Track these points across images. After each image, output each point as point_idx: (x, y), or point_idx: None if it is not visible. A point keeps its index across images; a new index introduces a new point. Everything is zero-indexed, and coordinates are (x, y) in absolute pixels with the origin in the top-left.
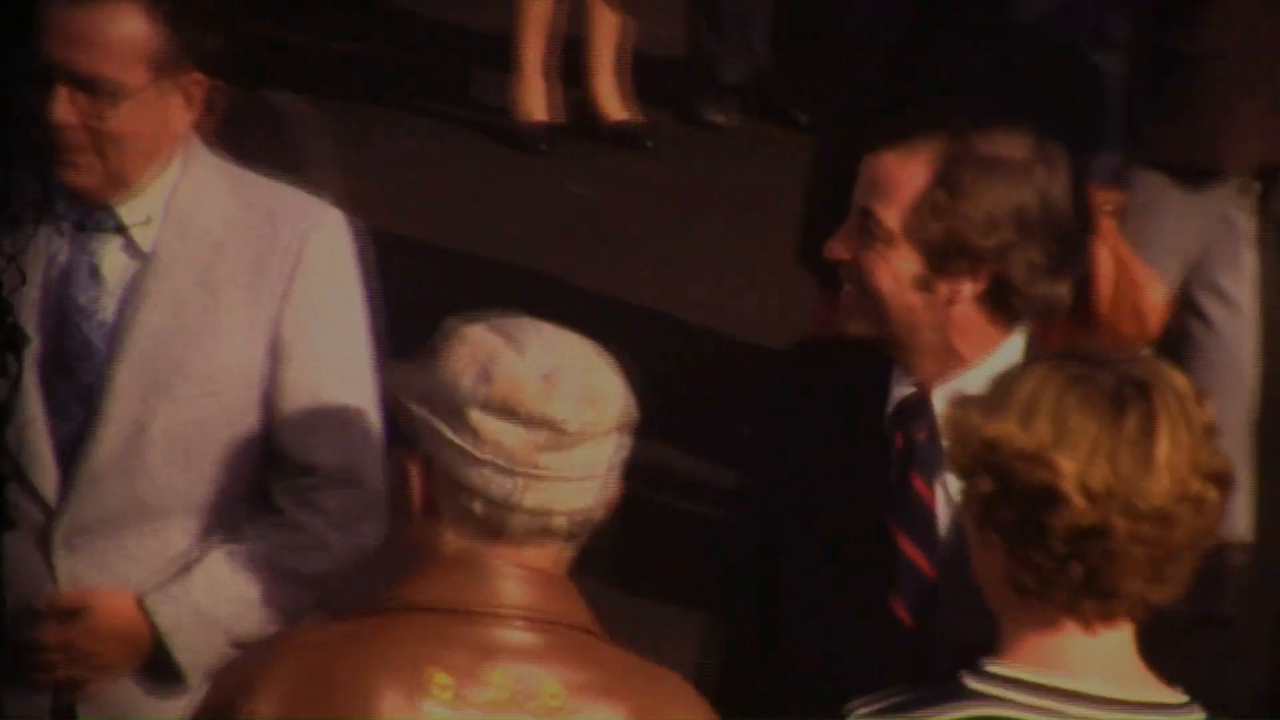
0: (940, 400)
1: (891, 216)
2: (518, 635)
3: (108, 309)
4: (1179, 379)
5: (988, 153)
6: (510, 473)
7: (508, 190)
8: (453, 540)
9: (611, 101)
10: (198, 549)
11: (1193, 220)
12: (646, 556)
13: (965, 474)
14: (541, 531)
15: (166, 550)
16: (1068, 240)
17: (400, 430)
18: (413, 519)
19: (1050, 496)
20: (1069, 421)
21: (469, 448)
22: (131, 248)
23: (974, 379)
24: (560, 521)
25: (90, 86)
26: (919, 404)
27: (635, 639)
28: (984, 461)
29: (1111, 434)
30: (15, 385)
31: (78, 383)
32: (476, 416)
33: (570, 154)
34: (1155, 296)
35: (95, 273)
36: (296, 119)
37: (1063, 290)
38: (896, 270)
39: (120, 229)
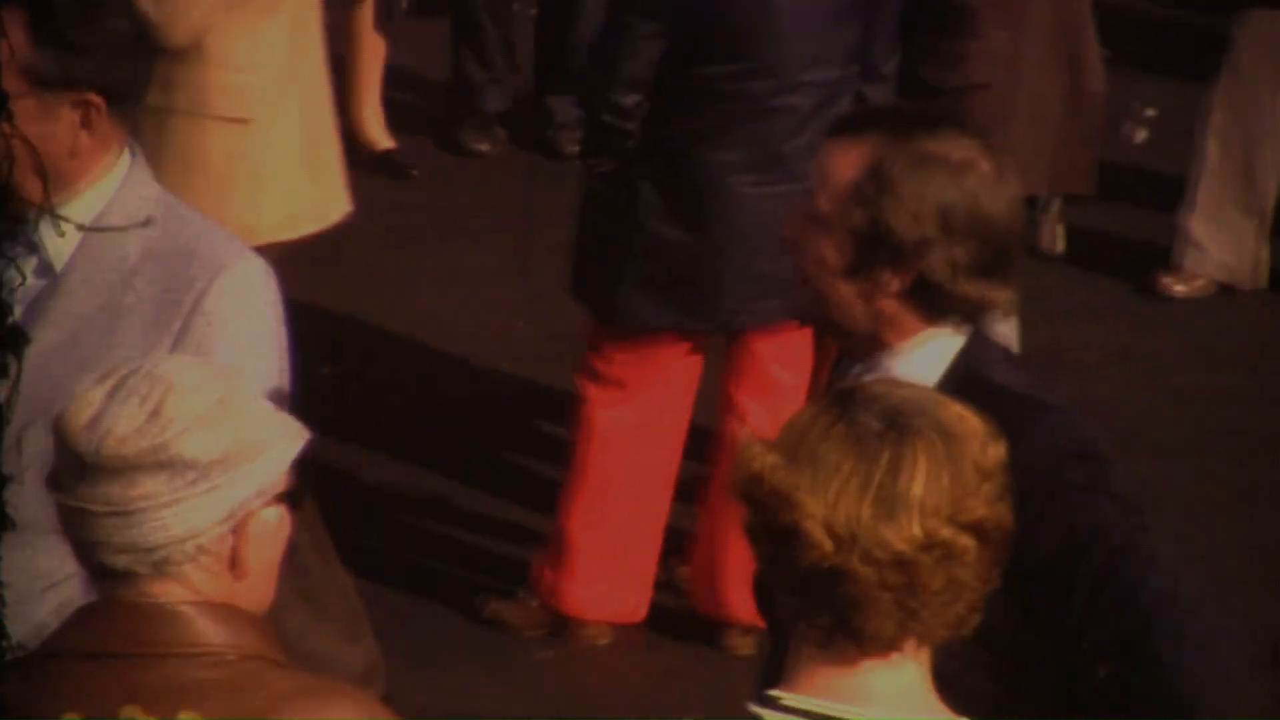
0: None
1: (826, 203)
2: (169, 672)
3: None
4: (963, 421)
5: (924, 150)
6: (130, 514)
7: None
8: (110, 587)
9: (375, 129)
10: (66, 569)
11: None
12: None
13: (740, 503)
14: (168, 563)
15: (33, 567)
16: (1003, 246)
17: None
18: None
19: (797, 536)
20: (824, 462)
21: (116, 508)
22: (42, 265)
23: (897, 366)
24: (188, 548)
25: None
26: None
27: None
28: (749, 495)
29: (861, 476)
30: (15, 386)
31: None
32: (105, 478)
33: None
34: None
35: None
36: None
37: (997, 294)
38: (827, 256)
39: (33, 247)
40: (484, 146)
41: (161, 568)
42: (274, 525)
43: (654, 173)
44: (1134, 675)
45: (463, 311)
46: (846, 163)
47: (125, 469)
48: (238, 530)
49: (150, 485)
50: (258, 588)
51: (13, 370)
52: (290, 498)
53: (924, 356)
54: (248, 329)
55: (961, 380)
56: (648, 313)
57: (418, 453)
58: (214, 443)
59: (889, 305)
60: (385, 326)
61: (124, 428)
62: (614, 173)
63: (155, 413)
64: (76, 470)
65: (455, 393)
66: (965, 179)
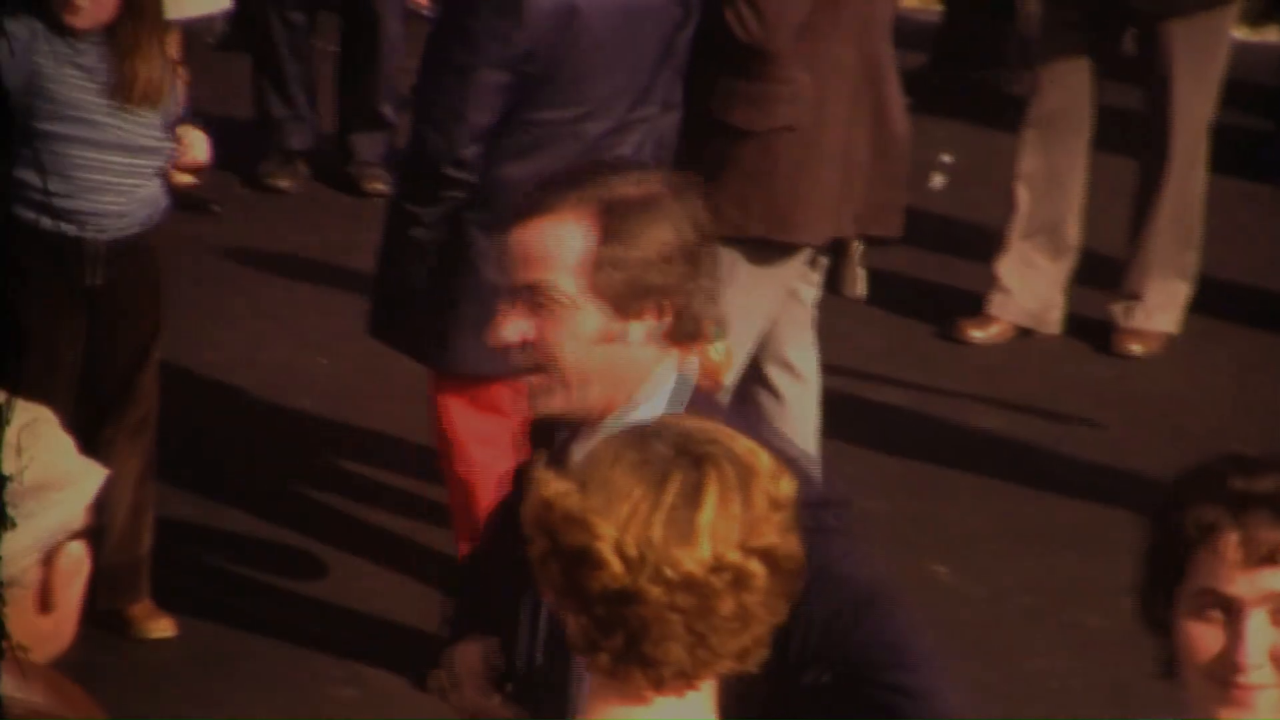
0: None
1: (568, 281)
2: None
3: None
4: (753, 454)
5: (635, 196)
6: None
7: None
8: None
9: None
10: None
11: (762, 294)
12: None
13: (529, 532)
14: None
15: None
16: (718, 261)
17: None
18: None
19: (588, 558)
20: (615, 486)
21: None
22: None
23: (627, 421)
24: None
25: None
26: (564, 451)
27: None
28: (540, 521)
29: (652, 500)
30: (15, 385)
31: None
32: None
33: None
34: (715, 354)
35: None
36: None
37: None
38: (582, 331)
39: None
40: (286, 183)
41: None
42: (79, 560)
43: (488, 219)
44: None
45: (267, 348)
46: (571, 234)
47: None
48: (48, 563)
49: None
50: (62, 626)
51: (12, 369)
52: (91, 534)
53: (654, 405)
54: None
55: None
56: (490, 361)
57: (222, 491)
58: (26, 469)
59: (647, 351)
60: (189, 363)
61: None
62: (441, 220)
63: None
64: None
65: (260, 430)
66: (678, 207)
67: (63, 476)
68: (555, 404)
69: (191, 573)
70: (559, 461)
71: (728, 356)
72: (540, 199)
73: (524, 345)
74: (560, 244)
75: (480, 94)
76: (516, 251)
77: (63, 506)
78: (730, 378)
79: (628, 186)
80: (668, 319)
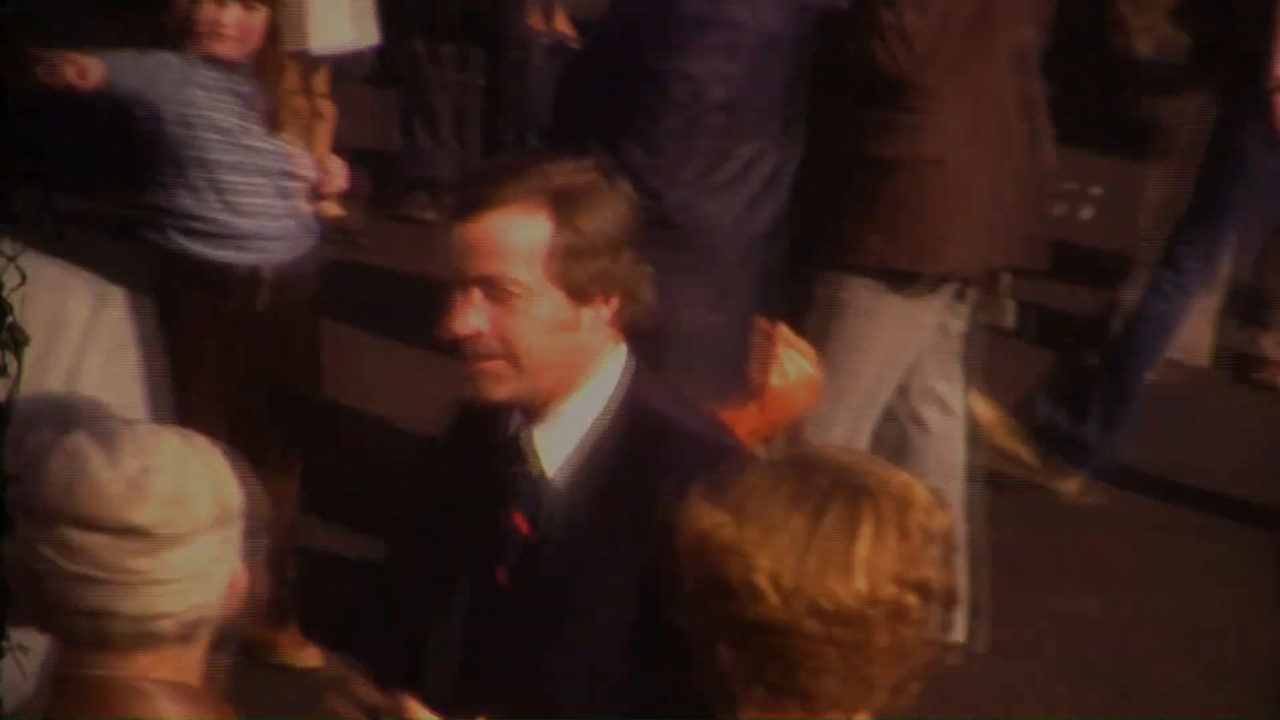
0: (540, 434)
1: (527, 272)
2: None
3: None
4: (909, 488)
5: (579, 184)
6: (103, 582)
7: None
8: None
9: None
10: None
11: (910, 326)
12: None
13: (683, 564)
14: (147, 636)
15: None
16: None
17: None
18: None
19: (745, 590)
20: (772, 518)
21: (61, 562)
22: None
23: (575, 405)
24: (166, 625)
25: None
26: (519, 440)
27: None
28: (695, 553)
29: (809, 533)
30: (16, 385)
31: None
32: (65, 531)
33: None
34: (809, 366)
35: None
36: None
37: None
38: (540, 320)
39: None
40: (433, 215)
41: (174, 632)
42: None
43: (685, 260)
44: None
45: (415, 380)
46: (528, 225)
47: (191, 533)
48: (234, 584)
49: (210, 543)
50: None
51: (12, 370)
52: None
53: (599, 388)
54: None
55: (632, 412)
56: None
57: (368, 523)
58: (238, 492)
59: (597, 336)
60: (338, 397)
61: (164, 487)
62: None
63: (184, 470)
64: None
65: (404, 462)
66: (615, 191)
67: (227, 507)
68: (506, 391)
69: (332, 605)
70: (517, 448)
71: (818, 379)
72: (487, 192)
73: (477, 336)
74: (516, 235)
75: (684, 127)
76: (468, 244)
77: (236, 536)
78: (872, 409)
79: (568, 175)
80: (614, 304)
